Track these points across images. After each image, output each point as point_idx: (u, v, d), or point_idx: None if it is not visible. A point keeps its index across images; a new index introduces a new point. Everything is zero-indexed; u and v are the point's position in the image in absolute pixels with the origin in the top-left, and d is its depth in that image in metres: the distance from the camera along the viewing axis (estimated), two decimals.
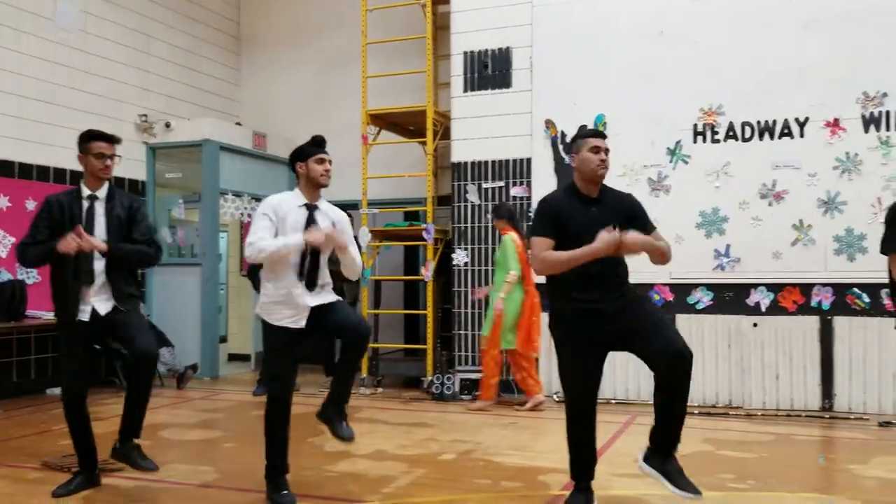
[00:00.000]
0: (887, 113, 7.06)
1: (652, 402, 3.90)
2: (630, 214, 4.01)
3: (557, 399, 7.79)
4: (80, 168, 4.46)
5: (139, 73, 9.76)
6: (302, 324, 4.20)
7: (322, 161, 4.26)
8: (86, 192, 4.44)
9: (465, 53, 8.49)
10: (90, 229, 4.34)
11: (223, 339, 11.02)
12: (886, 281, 3.99)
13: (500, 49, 8.34)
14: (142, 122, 9.63)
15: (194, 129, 9.70)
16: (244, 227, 11.41)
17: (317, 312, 4.21)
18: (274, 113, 11.02)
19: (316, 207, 4.29)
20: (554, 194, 4.23)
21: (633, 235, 3.79)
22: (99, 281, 4.36)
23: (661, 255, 3.95)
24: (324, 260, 4.26)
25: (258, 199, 10.29)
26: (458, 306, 8.46)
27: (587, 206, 3.99)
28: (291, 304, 4.19)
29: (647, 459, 3.96)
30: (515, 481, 4.77)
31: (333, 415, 4.24)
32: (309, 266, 4.18)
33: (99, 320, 4.36)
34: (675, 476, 3.83)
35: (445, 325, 8.95)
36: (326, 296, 4.27)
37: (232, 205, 9.93)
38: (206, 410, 7.39)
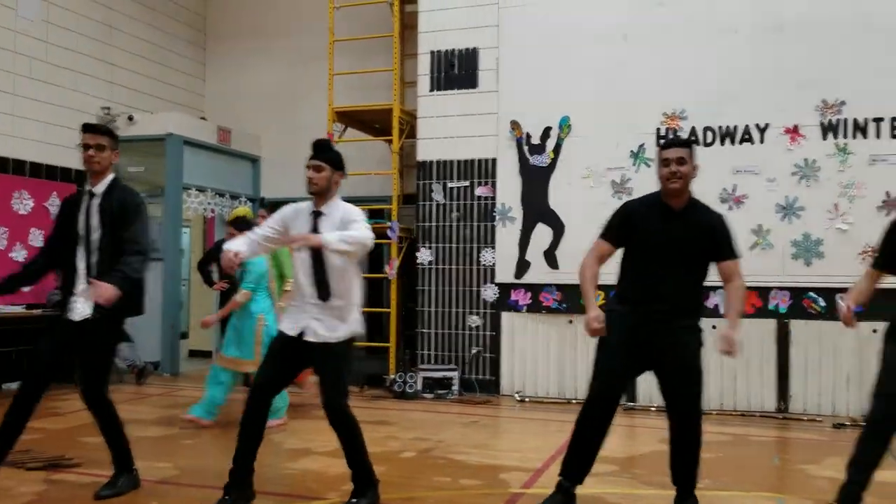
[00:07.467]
0: (845, 121, 7.21)
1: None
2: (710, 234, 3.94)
3: (519, 398, 7.86)
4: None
5: (103, 66, 9.60)
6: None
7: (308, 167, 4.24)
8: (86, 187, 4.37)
9: (432, 53, 8.51)
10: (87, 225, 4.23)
11: (184, 336, 10.90)
12: (845, 286, 4.05)
13: (467, 49, 8.37)
14: (104, 114, 9.46)
15: (158, 123, 9.56)
16: (207, 223, 11.29)
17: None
18: (239, 109, 10.91)
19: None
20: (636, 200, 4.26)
21: None
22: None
23: None
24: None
25: (222, 195, 10.20)
26: (421, 305, 8.47)
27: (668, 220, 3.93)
28: None
29: None
30: (475, 479, 4.79)
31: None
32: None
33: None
34: None
35: (408, 324, 8.95)
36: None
37: (195, 200, 9.82)
38: (166, 407, 7.31)
